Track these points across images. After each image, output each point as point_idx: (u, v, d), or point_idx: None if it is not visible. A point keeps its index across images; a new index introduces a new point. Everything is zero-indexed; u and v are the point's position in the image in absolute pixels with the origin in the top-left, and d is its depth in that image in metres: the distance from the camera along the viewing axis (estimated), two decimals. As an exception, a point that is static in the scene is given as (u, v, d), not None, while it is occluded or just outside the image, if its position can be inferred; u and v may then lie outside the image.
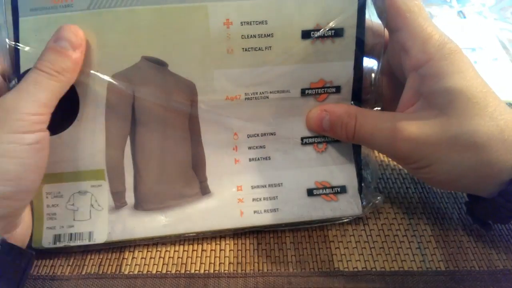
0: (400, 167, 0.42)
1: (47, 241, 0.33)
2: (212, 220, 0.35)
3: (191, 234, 0.35)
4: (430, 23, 0.32)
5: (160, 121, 0.34)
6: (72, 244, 0.34)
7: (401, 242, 0.35)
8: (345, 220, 0.36)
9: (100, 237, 0.34)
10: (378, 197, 0.37)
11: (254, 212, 0.35)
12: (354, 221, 0.37)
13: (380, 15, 0.33)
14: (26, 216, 0.31)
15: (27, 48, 0.32)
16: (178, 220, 0.35)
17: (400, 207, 0.38)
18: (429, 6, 0.63)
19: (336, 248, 0.35)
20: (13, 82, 0.32)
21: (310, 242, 0.35)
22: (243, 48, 0.33)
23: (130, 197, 0.34)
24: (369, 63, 0.36)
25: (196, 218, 0.35)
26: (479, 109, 0.29)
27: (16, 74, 0.32)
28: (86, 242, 0.34)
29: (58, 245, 0.33)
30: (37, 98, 0.28)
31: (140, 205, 0.34)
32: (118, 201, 0.34)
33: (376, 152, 0.42)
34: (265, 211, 0.35)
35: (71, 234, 0.34)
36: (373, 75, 0.36)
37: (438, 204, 0.38)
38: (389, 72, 0.36)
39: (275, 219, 0.35)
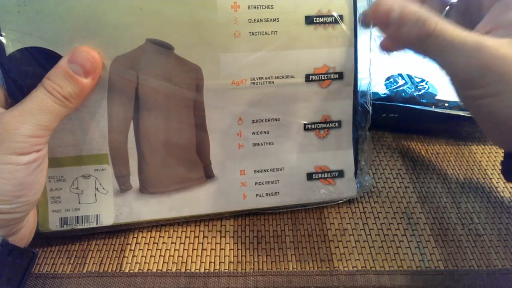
0: (399, 165, 0.42)
1: (54, 224, 0.34)
2: (216, 203, 0.36)
3: (196, 217, 0.36)
4: None
5: (165, 105, 0.34)
6: (79, 226, 0.34)
7: (400, 241, 0.35)
8: (340, 202, 0.38)
9: (107, 220, 0.34)
10: (369, 180, 0.39)
11: (256, 195, 0.37)
12: (354, 221, 0.37)
13: None
14: (31, 216, 0.31)
15: (9, 27, 0.30)
16: (183, 203, 0.36)
17: (399, 206, 0.38)
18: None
19: (335, 248, 0.35)
20: None
21: (310, 241, 0.35)
22: (250, 32, 0.33)
23: (135, 181, 0.35)
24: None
25: (201, 201, 0.36)
26: None
27: (0, 57, 0.30)
28: (93, 224, 0.34)
29: (65, 228, 0.34)
30: (39, 121, 0.27)
31: (145, 189, 0.35)
32: (123, 184, 0.34)
33: (372, 140, 0.44)
34: (266, 194, 0.37)
35: (77, 217, 0.34)
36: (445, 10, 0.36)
37: (437, 203, 0.39)
38: (460, 13, 0.36)
39: (275, 202, 0.37)
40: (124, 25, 0.31)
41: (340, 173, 0.37)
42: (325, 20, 0.34)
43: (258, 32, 0.33)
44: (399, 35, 0.31)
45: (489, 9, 0.32)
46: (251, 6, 0.33)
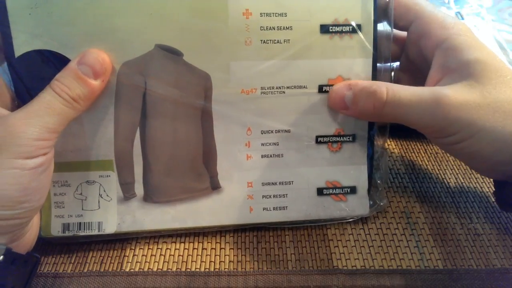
0: (398, 165, 0.42)
1: (56, 230, 0.33)
2: (221, 216, 0.35)
3: (199, 229, 0.35)
4: (439, 10, 0.34)
5: (172, 113, 0.33)
6: (81, 233, 0.33)
7: (399, 240, 0.35)
8: (350, 220, 0.37)
9: (109, 228, 0.34)
10: (384, 200, 0.37)
11: (263, 209, 0.35)
12: (354, 220, 0.37)
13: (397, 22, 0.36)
14: (34, 221, 0.31)
15: (19, 29, 0.30)
16: (187, 214, 0.35)
17: (399, 206, 0.38)
18: (427, 7, 0.63)
19: (335, 247, 0.35)
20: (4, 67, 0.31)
21: (309, 240, 0.35)
22: (261, 40, 0.33)
23: (139, 189, 0.34)
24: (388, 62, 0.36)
25: (205, 213, 0.35)
26: (509, 81, 0.30)
27: (10, 58, 0.30)
28: (95, 232, 0.34)
29: (67, 234, 0.33)
30: (46, 124, 0.27)
31: (150, 197, 0.34)
32: (127, 192, 0.34)
33: (389, 154, 0.43)
34: (274, 208, 0.35)
35: (80, 223, 0.33)
36: (392, 73, 0.37)
37: (436, 203, 0.39)
38: (408, 69, 0.38)
39: (283, 217, 0.36)
40: (134, 30, 0.31)
41: (353, 190, 0.36)
42: (342, 30, 0.33)
43: (270, 40, 0.33)
44: (359, 113, 0.33)
45: (432, 55, 0.33)
46: (264, 13, 0.32)
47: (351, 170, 0.36)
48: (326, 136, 0.35)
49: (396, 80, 0.39)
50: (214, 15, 0.32)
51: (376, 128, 0.36)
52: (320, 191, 0.36)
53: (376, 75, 0.34)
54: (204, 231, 0.36)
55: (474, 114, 0.30)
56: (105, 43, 0.31)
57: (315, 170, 0.36)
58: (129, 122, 0.33)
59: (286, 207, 0.36)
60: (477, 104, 0.30)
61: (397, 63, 0.40)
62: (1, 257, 0.26)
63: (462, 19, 0.61)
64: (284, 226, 0.36)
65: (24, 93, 0.31)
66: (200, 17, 0.31)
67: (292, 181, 0.36)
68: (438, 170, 0.42)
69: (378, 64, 0.35)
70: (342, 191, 0.36)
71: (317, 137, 0.35)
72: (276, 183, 0.35)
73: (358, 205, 0.36)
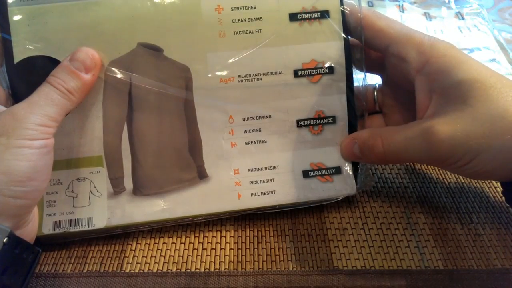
0: (399, 165, 0.42)
1: (47, 228, 0.34)
2: (210, 204, 0.36)
3: (189, 218, 0.36)
4: (415, 31, 0.34)
5: (156, 106, 0.34)
6: (71, 230, 0.34)
7: (399, 241, 0.35)
8: (339, 199, 0.37)
9: (99, 223, 0.34)
10: (370, 179, 0.38)
11: (251, 194, 0.36)
12: (353, 220, 0.37)
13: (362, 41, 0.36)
14: (35, 215, 0.32)
15: (19, 38, 0.32)
16: (176, 204, 0.35)
17: (399, 206, 0.38)
18: (427, 7, 0.63)
19: (335, 247, 0.35)
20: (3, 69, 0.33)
21: (309, 240, 0.35)
22: (234, 32, 0.34)
23: (128, 183, 0.35)
24: (369, 80, 0.38)
25: (194, 202, 0.35)
26: (498, 92, 0.30)
27: (9, 64, 0.33)
28: (85, 227, 0.34)
29: (58, 231, 0.34)
30: (46, 112, 0.29)
31: (139, 191, 0.35)
32: (117, 187, 0.35)
33: None
34: (262, 193, 0.36)
35: (70, 220, 0.34)
36: (375, 93, 0.39)
37: (437, 203, 0.39)
38: (391, 82, 0.38)
39: (272, 201, 0.36)
40: (118, 32, 0.34)
41: (337, 170, 0.37)
42: (310, 16, 0.35)
43: (242, 31, 0.35)
44: (370, 162, 0.36)
45: (414, 79, 0.33)
46: (234, 7, 0.34)
47: (334, 150, 0.37)
48: (307, 119, 0.36)
49: (381, 99, 0.40)
50: (189, 12, 0.34)
51: (355, 109, 0.37)
52: (305, 174, 0.37)
53: (350, 57, 0.36)
54: (195, 221, 0.36)
55: (470, 140, 0.30)
56: (94, 45, 0.33)
57: (298, 153, 0.37)
58: (117, 117, 0.34)
59: (274, 191, 0.36)
60: (470, 129, 0.30)
61: (379, 82, 0.40)
62: (6, 239, 0.28)
63: (463, 19, 0.61)
64: (275, 211, 0.37)
65: (20, 94, 0.32)
66: (176, 16, 0.34)
67: (277, 166, 0.37)
68: (439, 170, 0.42)
69: (359, 85, 0.37)
70: (327, 172, 0.37)
71: (297, 120, 0.36)
72: (262, 169, 0.36)
73: (344, 184, 0.37)
